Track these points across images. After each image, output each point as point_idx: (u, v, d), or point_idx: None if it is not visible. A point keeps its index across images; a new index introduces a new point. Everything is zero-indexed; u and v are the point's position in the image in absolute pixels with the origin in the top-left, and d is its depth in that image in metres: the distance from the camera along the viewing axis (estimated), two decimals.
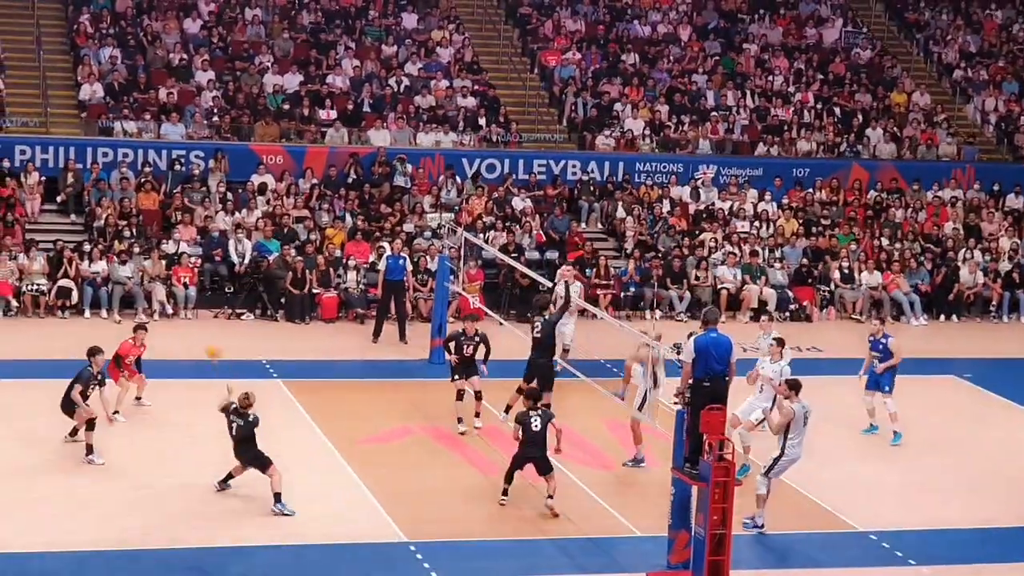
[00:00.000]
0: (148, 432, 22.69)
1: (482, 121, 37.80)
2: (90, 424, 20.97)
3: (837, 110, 41.02)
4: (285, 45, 38.82)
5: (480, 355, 23.78)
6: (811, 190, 38.11)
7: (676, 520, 17.72)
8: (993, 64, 44.23)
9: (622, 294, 33.09)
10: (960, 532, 20.41)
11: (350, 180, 35.16)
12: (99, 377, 21.47)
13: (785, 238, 35.77)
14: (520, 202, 35.51)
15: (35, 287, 30.25)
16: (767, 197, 37.34)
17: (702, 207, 36.82)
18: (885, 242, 36.38)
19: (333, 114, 36.67)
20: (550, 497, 19.92)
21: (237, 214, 33.22)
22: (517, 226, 34.30)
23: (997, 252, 36.41)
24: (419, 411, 24.37)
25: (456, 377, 23.52)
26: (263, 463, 19.50)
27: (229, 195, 33.75)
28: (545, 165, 37.11)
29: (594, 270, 33.03)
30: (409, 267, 30.62)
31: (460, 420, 23.45)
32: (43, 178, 33.55)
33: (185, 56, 37.45)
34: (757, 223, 36.46)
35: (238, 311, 31.37)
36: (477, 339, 23.70)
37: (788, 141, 39.42)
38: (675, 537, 17.72)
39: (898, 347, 24.11)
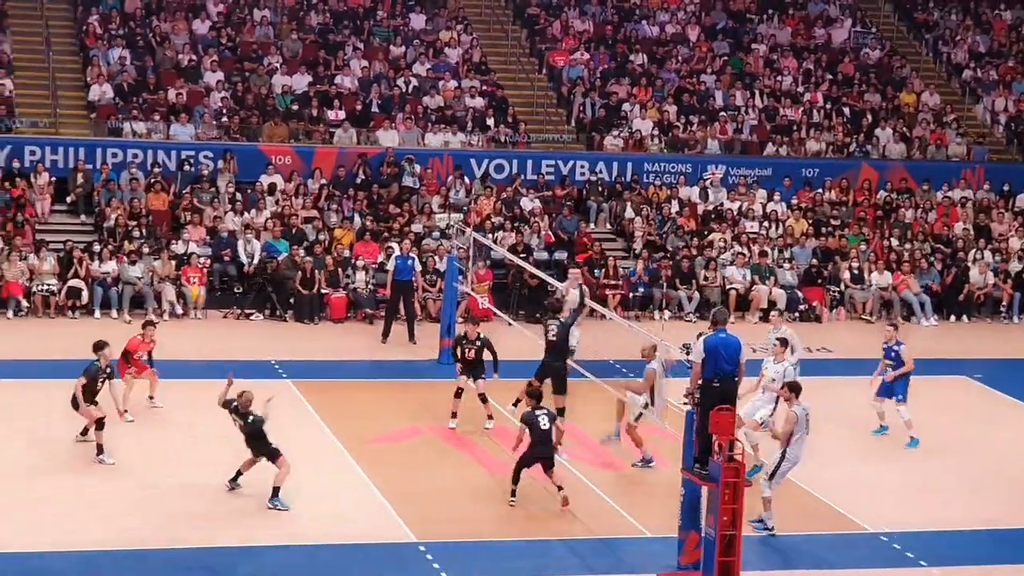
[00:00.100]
0: (157, 432, 22.70)
1: (490, 121, 37.80)
2: (99, 424, 20.98)
3: (846, 110, 40.98)
4: (294, 46, 38.84)
5: (485, 358, 23.70)
6: (820, 190, 38.06)
7: (686, 521, 17.69)
8: (1003, 64, 44.18)
9: (631, 295, 33.08)
10: (971, 533, 20.34)
11: (359, 180, 35.16)
12: (107, 371, 21.48)
13: (795, 238, 35.73)
14: (529, 202, 35.50)
15: (45, 287, 30.29)
16: (776, 197, 37.31)
17: (711, 207, 36.79)
18: (895, 242, 36.33)
19: (342, 114, 36.68)
20: (560, 488, 19.97)
21: (246, 214, 33.24)
22: (526, 226, 34.29)
23: (1007, 252, 36.34)
24: (428, 411, 24.36)
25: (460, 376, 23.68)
26: (273, 455, 19.54)
27: (238, 195, 33.78)
28: (553, 165, 37.10)
29: (603, 271, 33.01)
30: (418, 267, 30.64)
31: (454, 415, 23.57)
32: (53, 179, 33.59)
33: (194, 57, 37.47)
34: (766, 223, 36.42)
35: (247, 311, 31.38)
36: (478, 343, 23.66)
37: (797, 141, 39.37)
38: (685, 538, 17.70)
39: (909, 355, 23.94)
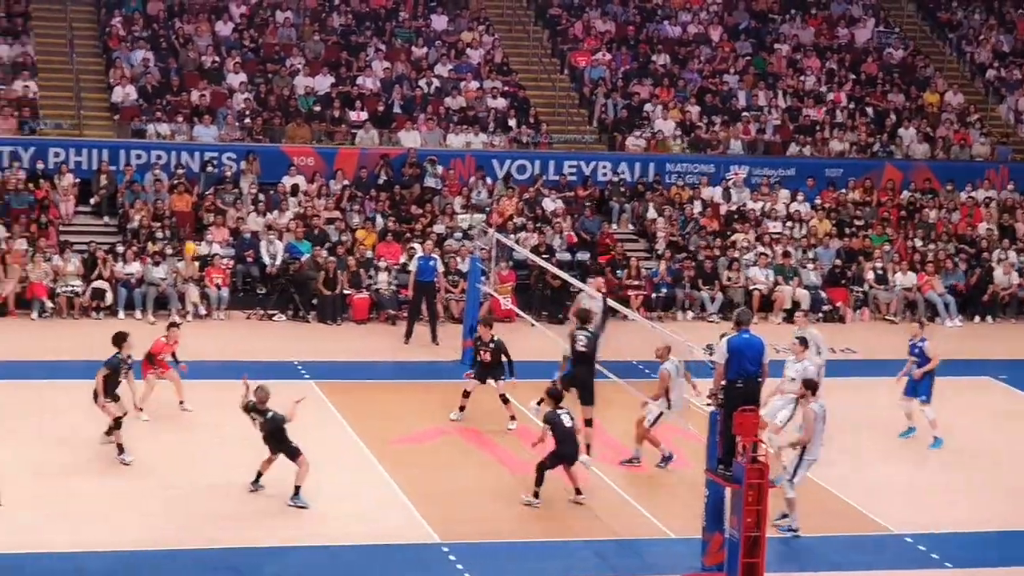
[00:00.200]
0: (181, 433, 22.76)
1: (512, 122, 37.79)
2: (117, 423, 21.02)
3: (870, 110, 40.87)
4: (316, 47, 38.90)
5: (501, 360, 23.75)
6: (844, 190, 37.98)
7: (710, 522, 17.66)
8: None
9: (653, 295, 33.04)
10: (996, 534, 20.27)
11: (381, 181, 35.19)
12: (128, 363, 21.51)
13: (818, 239, 35.65)
14: (551, 203, 35.48)
15: (69, 288, 30.38)
16: (799, 197, 37.22)
17: (734, 208, 36.72)
18: (919, 243, 36.24)
19: (364, 115, 36.71)
20: (579, 491, 20.09)
21: (269, 215, 33.30)
22: (548, 227, 34.28)
23: None
24: (450, 412, 24.31)
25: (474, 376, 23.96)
26: (292, 453, 19.56)
27: (261, 196, 33.83)
28: (576, 166, 37.07)
29: (625, 271, 32.99)
30: (440, 268, 30.62)
31: (462, 408, 23.86)
32: (77, 180, 33.68)
33: (217, 59, 37.55)
34: (790, 224, 36.34)
35: (270, 312, 31.43)
36: (492, 345, 23.68)
37: (820, 141, 39.28)
38: (709, 539, 17.66)
39: (933, 351, 23.88)
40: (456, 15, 41.41)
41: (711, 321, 32.47)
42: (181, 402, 23.62)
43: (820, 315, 33.17)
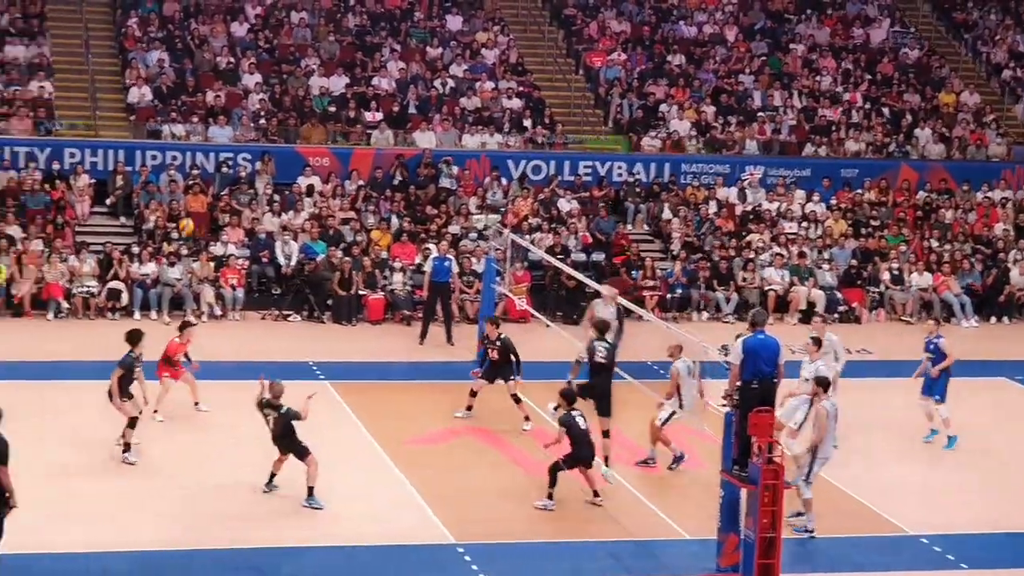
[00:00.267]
0: (195, 433, 22.79)
1: (527, 122, 37.78)
2: (131, 423, 21.05)
3: (885, 110, 40.81)
4: (331, 48, 38.93)
5: (506, 359, 23.78)
6: (860, 191, 37.92)
7: (725, 523, 17.63)
8: None
9: (668, 296, 33.01)
10: (1012, 535, 20.19)
11: (396, 182, 35.22)
12: (140, 361, 21.51)
13: (834, 239, 35.61)
14: (566, 203, 35.47)
15: (85, 289, 30.44)
16: (815, 198, 37.18)
17: (749, 208, 36.68)
18: (935, 243, 36.17)
19: (379, 116, 36.74)
20: (596, 494, 20.11)
21: (284, 216, 33.34)
22: (563, 228, 34.27)
23: None
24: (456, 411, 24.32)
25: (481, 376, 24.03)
26: (301, 452, 19.56)
27: (276, 197, 33.87)
28: (591, 166, 37.05)
29: (640, 271, 32.96)
30: (455, 268, 30.63)
31: (469, 408, 23.96)
32: (93, 181, 33.74)
33: (232, 59, 37.61)
34: (805, 224, 36.29)
35: (285, 312, 31.47)
36: (499, 343, 23.70)
37: (836, 141, 39.23)
38: (724, 540, 17.63)
39: (949, 348, 23.79)
40: (471, 15, 41.43)
41: (726, 322, 32.45)
42: (196, 403, 23.64)
43: (836, 316, 33.11)
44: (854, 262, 34.94)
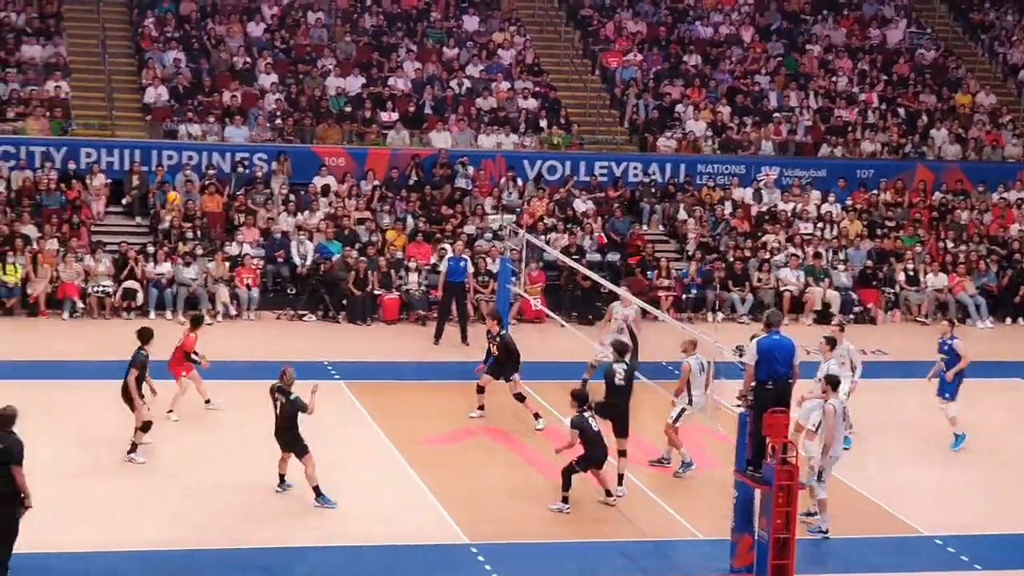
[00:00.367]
0: (210, 433, 22.83)
1: (543, 123, 37.77)
2: (145, 426, 21.07)
3: (901, 111, 40.72)
4: (347, 48, 38.97)
5: (506, 356, 23.85)
6: (875, 191, 37.85)
7: (739, 523, 17.63)
8: None
9: (684, 296, 32.97)
10: None
11: (411, 182, 35.23)
12: (149, 359, 21.49)
13: (849, 240, 35.54)
14: (581, 204, 35.46)
15: (101, 289, 30.49)
16: (831, 198, 37.11)
17: (765, 209, 36.63)
18: (950, 244, 36.09)
19: (395, 116, 36.76)
20: (609, 493, 20.12)
21: (299, 216, 33.37)
22: (578, 228, 34.25)
23: None
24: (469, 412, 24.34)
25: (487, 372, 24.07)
26: (300, 449, 19.52)
27: (291, 197, 33.90)
28: (607, 167, 37.03)
29: (655, 272, 32.94)
30: (470, 269, 30.65)
31: (480, 407, 23.98)
32: (108, 180, 33.81)
33: (248, 59, 37.66)
34: (820, 225, 36.24)
35: (300, 312, 31.50)
36: (498, 339, 23.76)
37: (852, 142, 39.17)
38: (738, 541, 17.64)
39: (964, 349, 23.65)
40: (487, 16, 41.43)
41: (741, 322, 32.40)
42: (207, 401, 23.65)
43: (851, 316, 33.02)
44: (869, 263, 34.86)
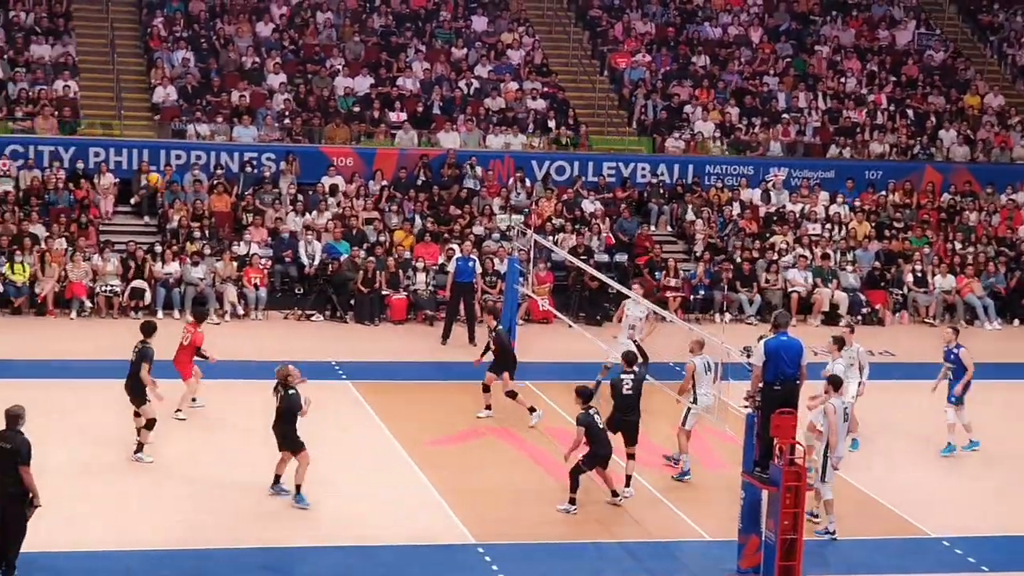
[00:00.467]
0: (214, 433, 22.84)
1: (552, 123, 37.77)
2: (149, 424, 21.09)
3: (910, 112, 40.69)
4: (356, 48, 38.98)
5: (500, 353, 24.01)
6: (884, 192, 37.84)
7: (746, 524, 17.63)
8: None
9: (691, 297, 32.96)
10: None
11: (420, 182, 35.24)
12: None
13: (857, 241, 35.52)
14: (590, 204, 35.45)
15: (109, 288, 30.53)
16: (839, 199, 37.08)
17: (773, 210, 36.61)
18: (959, 245, 36.05)
19: (403, 116, 36.78)
20: (615, 494, 20.12)
21: (307, 215, 33.39)
22: (587, 228, 34.24)
23: None
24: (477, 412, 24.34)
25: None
26: (295, 447, 19.46)
27: (300, 197, 33.92)
28: (615, 167, 37.03)
29: (663, 273, 32.93)
30: (478, 269, 30.66)
31: (488, 407, 24.05)
32: (117, 180, 33.84)
33: (257, 59, 37.68)
34: (829, 226, 36.21)
35: (308, 312, 31.51)
36: (492, 334, 23.85)
37: (860, 143, 39.14)
38: (745, 542, 17.64)
39: (969, 359, 23.36)
40: (496, 16, 41.43)
41: (749, 323, 32.39)
42: (193, 399, 23.54)
43: (859, 318, 32.99)
44: (877, 264, 34.83)
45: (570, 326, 28.63)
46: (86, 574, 17.32)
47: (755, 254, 34.23)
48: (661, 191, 36.79)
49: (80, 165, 33.78)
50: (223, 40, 38.10)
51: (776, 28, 43.13)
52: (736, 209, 36.22)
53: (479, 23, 41.07)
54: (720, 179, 37.43)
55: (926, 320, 34.03)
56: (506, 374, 23.82)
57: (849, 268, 34.39)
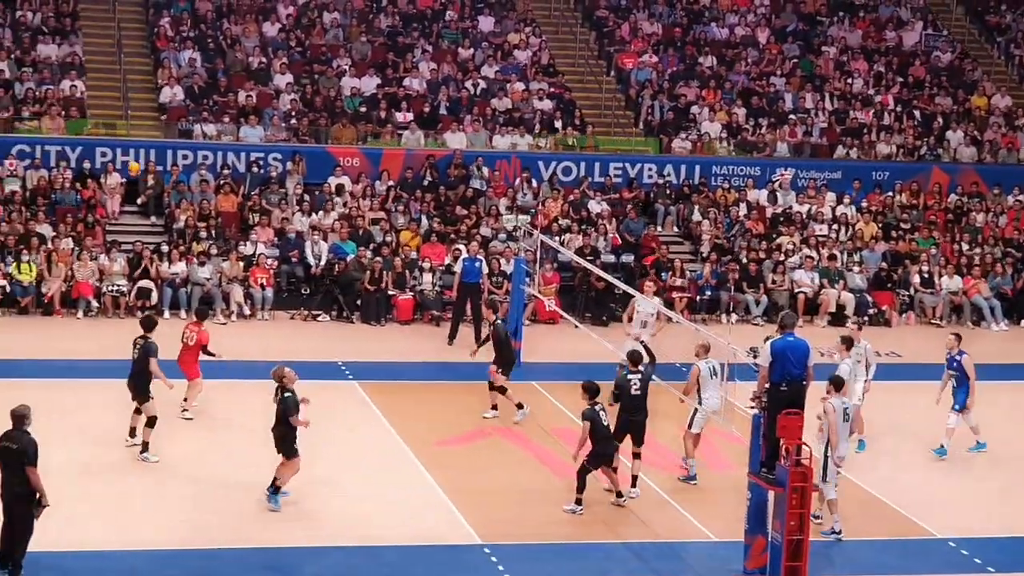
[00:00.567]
0: (219, 433, 22.85)
1: (558, 124, 37.76)
2: (150, 422, 21.10)
3: (917, 113, 40.65)
4: (363, 48, 38.99)
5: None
6: (891, 193, 37.80)
7: (753, 525, 17.61)
8: None
9: (698, 298, 32.94)
10: None
11: (426, 182, 35.24)
12: None
13: (864, 242, 35.48)
14: (596, 205, 35.44)
15: (115, 288, 30.54)
16: (846, 200, 37.05)
17: (779, 210, 36.58)
18: (965, 246, 36.01)
19: (410, 116, 36.78)
20: (619, 495, 20.13)
21: (314, 216, 33.40)
22: (593, 229, 34.23)
23: None
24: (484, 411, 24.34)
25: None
26: (288, 452, 19.36)
27: (306, 197, 33.93)
28: (621, 168, 37.02)
29: (670, 273, 32.91)
30: (485, 270, 30.66)
31: (494, 407, 24.10)
32: (124, 180, 33.87)
33: (264, 59, 37.70)
34: (835, 226, 36.19)
35: (314, 312, 31.52)
36: (491, 327, 24.07)
37: (867, 144, 39.11)
38: (751, 542, 17.62)
39: (972, 367, 23.22)
40: (503, 16, 41.43)
41: (756, 324, 32.35)
42: (185, 399, 23.48)
43: (865, 319, 32.88)
44: (884, 265, 34.80)
45: (576, 326, 28.64)
46: (91, 574, 17.33)
47: (762, 255, 34.21)
48: (668, 192, 36.77)
49: (87, 165, 33.80)
50: (230, 40, 38.11)
51: (783, 29, 43.10)
52: (743, 210, 36.20)
53: (486, 23, 41.07)
54: (727, 180, 37.42)
55: (933, 321, 33.98)
56: (494, 367, 23.85)
57: (856, 269, 34.35)
